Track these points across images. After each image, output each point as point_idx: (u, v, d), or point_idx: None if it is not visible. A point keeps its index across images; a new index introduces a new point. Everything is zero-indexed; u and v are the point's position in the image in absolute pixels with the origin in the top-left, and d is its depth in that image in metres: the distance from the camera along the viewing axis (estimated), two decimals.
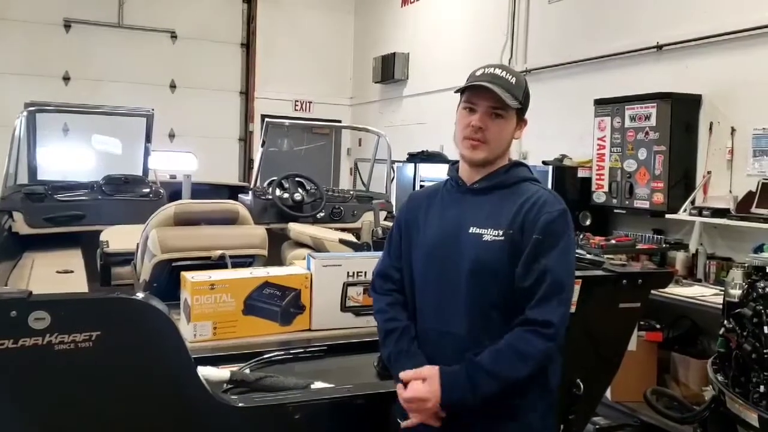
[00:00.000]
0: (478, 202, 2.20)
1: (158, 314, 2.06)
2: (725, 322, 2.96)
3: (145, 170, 6.64)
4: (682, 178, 5.84)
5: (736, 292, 2.97)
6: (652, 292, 3.08)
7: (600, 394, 3.25)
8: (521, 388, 2.08)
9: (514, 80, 2.19)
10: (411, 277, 2.28)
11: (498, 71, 2.20)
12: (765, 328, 2.60)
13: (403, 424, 2.13)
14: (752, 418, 2.55)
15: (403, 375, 2.13)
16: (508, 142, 2.22)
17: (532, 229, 2.08)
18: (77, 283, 4.28)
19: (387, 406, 2.33)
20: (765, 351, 2.58)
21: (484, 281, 2.11)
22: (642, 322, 5.02)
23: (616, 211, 6.40)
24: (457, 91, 2.22)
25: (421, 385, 2.09)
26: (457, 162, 2.30)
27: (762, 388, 2.57)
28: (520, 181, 2.22)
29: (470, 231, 2.14)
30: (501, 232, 2.11)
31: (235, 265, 3.60)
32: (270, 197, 6.15)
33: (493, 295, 2.10)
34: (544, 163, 6.74)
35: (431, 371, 2.09)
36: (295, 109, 12.23)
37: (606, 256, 5.16)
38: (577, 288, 2.60)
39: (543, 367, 2.11)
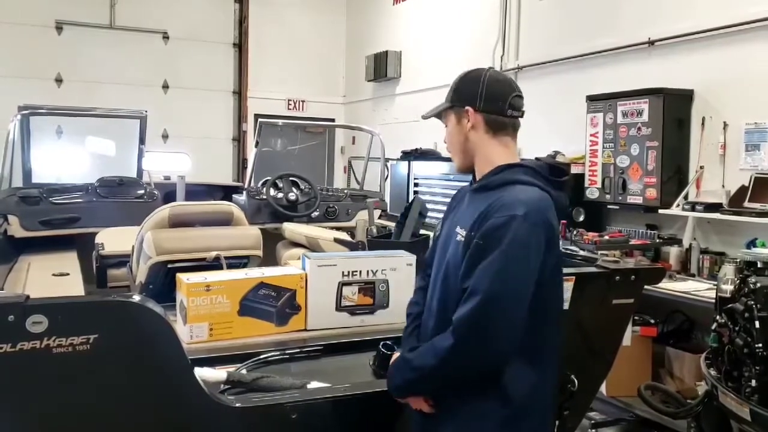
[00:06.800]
0: (468, 203, 2.30)
1: (155, 316, 2.07)
2: (717, 317, 2.99)
3: (140, 172, 6.65)
4: (674, 174, 5.85)
5: (728, 288, 3.00)
6: (646, 287, 3.11)
7: (595, 390, 3.28)
8: (470, 392, 2.13)
9: (450, 86, 2.34)
10: None
11: None
12: (756, 322, 2.62)
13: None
14: (744, 412, 2.58)
15: None
16: (457, 141, 2.32)
17: (478, 233, 2.11)
18: (73, 285, 4.29)
19: (383, 405, 2.35)
20: (757, 345, 2.60)
21: (450, 280, 2.21)
22: (636, 317, 5.05)
23: (609, 206, 6.41)
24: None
25: None
26: None
27: (754, 383, 2.60)
28: (506, 183, 2.20)
29: (456, 230, 2.24)
30: (465, 233, 2.17)
31: (230, 266, 3.62)
32: (264, 197, 6.16)
33: (454, 293, 2.16)
34: (536, 159, 6.75)
35: (394, 359, 2.35)
36: (288, 109, 12.22)
37: (599, 252, 5.20)
38: (570, 285, 2.63)
39: (496, 375, 2.10)
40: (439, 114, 2.36)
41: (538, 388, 2.18)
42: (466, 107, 2.26)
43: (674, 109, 5.82)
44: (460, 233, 2.19)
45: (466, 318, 2.03)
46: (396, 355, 2.37)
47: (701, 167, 5.73)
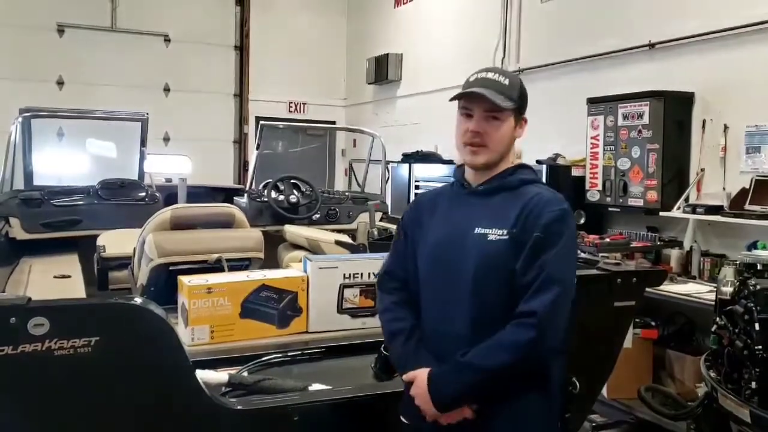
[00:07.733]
0: (483, 203, 2.24)
1: (156, 318, 2.08)
2: (717, 319, 2.99)
3: (141, 174, 6.64)
4: (675, 176, 5.85)
5: (728, 290, 3.00)
6: (647, 289, 3.11)
7: (596, 392, 3.27)
8: (518, 389, 2.10)
9: (507, 81, 2.23)
10: (416, 277, 2.30)
11: (491, 75, 2.23)
12: (756, 324, 2.63)
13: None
14: (744, 414, 2.58)
15: (404, 377, 2.21)
16: (508, 143, 2.26)
17: (534, 227, 2.11)
18: (75, 288, 4.28)
19: (385, 407, 2.35)
20: (756, 347, 2.60)
21: (489, 280, 2.13)
22: (637, 320, 5.05)
23: (610, 209, 6.41)
24: (451, 99, 2.25)
25: (414, 386, 2.15)
26: (463, 165, 2.34)
27: (753, 384, 2.60)
28: (524, 183, 2.25)
29: (475, 232, 2.17)
30: (505, 232, 2.13)
31: (231, 269, 3.62)
32: (265, 199, 6.16)
33: (497, 293, 2.12)
34: (537, 162, 6.76)
35: (422, 373, 2.14)
36: (290, 111, 12.23)
37: (600, 254, 5.19)
38: None
39: (540, 370, 2.12)
40: (495, 106, 2.18)
41: (563, 379, 2.25)
42: (524, 116, 2.30)
43: (675, 111, 5.83)
44: (494, 233, 2.14)
45: (549, 308, 2.03)
46: (423, 371, 2.15)
47: (702, 170, 5.74)
